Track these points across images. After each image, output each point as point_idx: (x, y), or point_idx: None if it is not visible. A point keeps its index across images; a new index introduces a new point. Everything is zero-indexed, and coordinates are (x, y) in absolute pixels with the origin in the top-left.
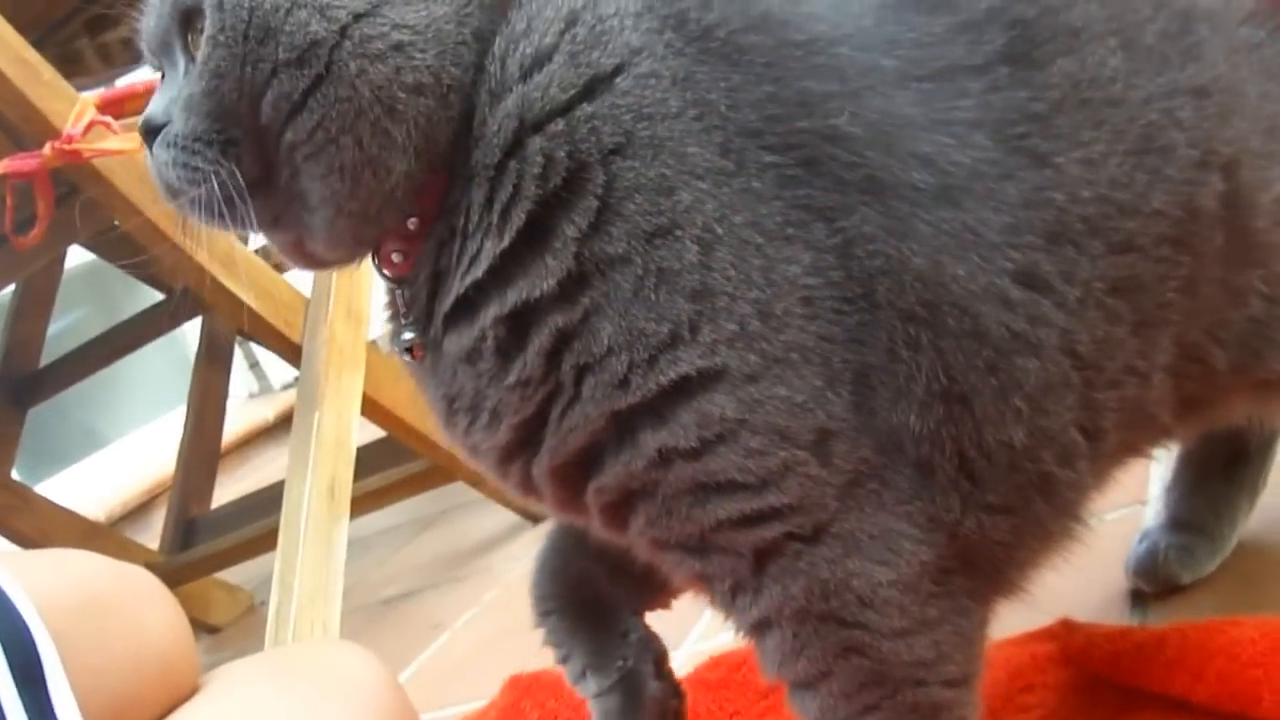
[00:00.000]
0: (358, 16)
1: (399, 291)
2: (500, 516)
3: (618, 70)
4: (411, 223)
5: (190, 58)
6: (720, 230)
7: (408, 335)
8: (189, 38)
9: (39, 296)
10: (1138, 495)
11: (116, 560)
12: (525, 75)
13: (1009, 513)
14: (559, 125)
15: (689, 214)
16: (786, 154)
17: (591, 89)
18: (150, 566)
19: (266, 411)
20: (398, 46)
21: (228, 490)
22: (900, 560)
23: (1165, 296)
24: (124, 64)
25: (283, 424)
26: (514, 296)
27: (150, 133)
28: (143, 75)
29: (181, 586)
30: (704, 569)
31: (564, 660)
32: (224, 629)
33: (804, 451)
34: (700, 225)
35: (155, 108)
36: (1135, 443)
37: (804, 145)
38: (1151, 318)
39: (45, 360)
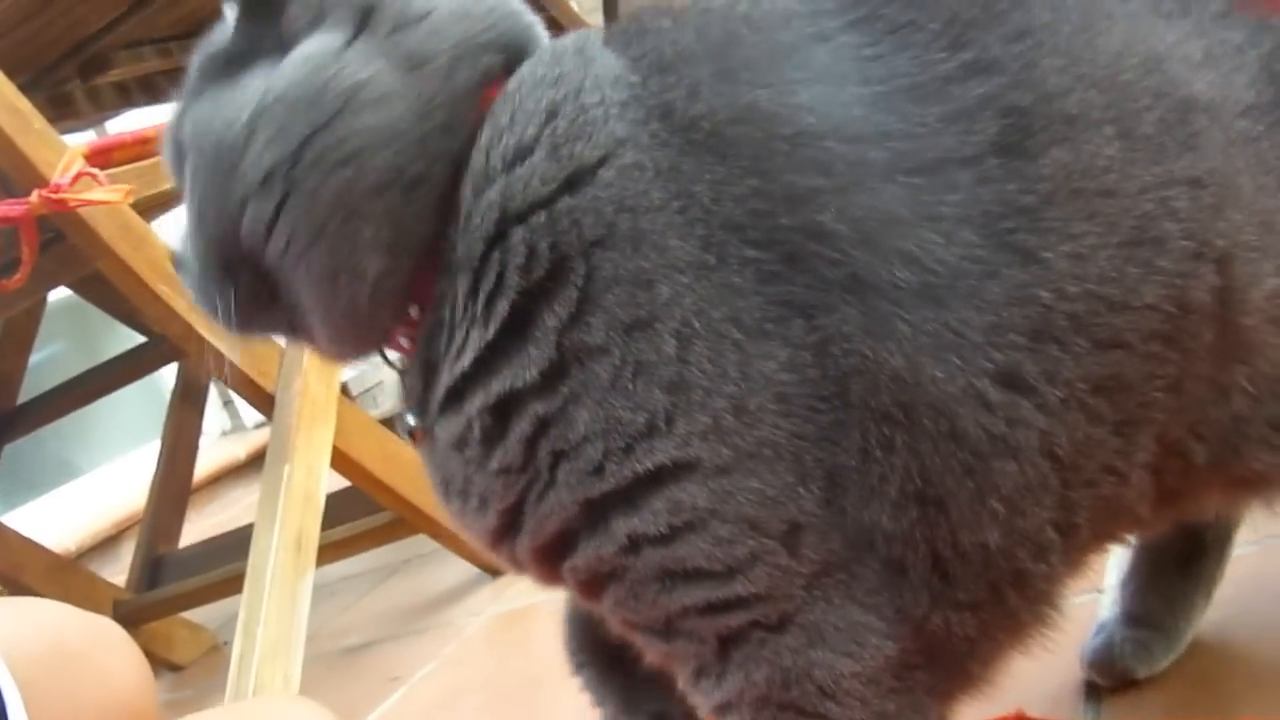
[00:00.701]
0: (312, 134)
1: (403, 377)
2: (461, 568)
3: (601, 162)
4: (414, 311)
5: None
6: (698, 324)
7: (409, 420)
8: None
9: (18, 336)
10: (1095, 583)
11: (83, 610)
12: (508, 167)
13: (979, 608)
14: (541, 217)
15: (668, 307)
16: (769, 249)
17: (574, 181)
18: (117, 604)
19: (238, 450)
20: (353, 153)
21: (197, 527)
22: (864, 653)
23: (1150, 395)
24: (114, 108)
25: (253, 463)
26: (498, 386)
27: (178, 269)
28: (132, 122)
29: (146, 625)
30: (670, 651)
31: (599, 706)
32: (186, 667)
33: (773, 541)
34: (678, 319)
35: (179, 245)
36: (1111, 533)
37: (787, 241)
38: (1134, 416)
39: (22, 396)
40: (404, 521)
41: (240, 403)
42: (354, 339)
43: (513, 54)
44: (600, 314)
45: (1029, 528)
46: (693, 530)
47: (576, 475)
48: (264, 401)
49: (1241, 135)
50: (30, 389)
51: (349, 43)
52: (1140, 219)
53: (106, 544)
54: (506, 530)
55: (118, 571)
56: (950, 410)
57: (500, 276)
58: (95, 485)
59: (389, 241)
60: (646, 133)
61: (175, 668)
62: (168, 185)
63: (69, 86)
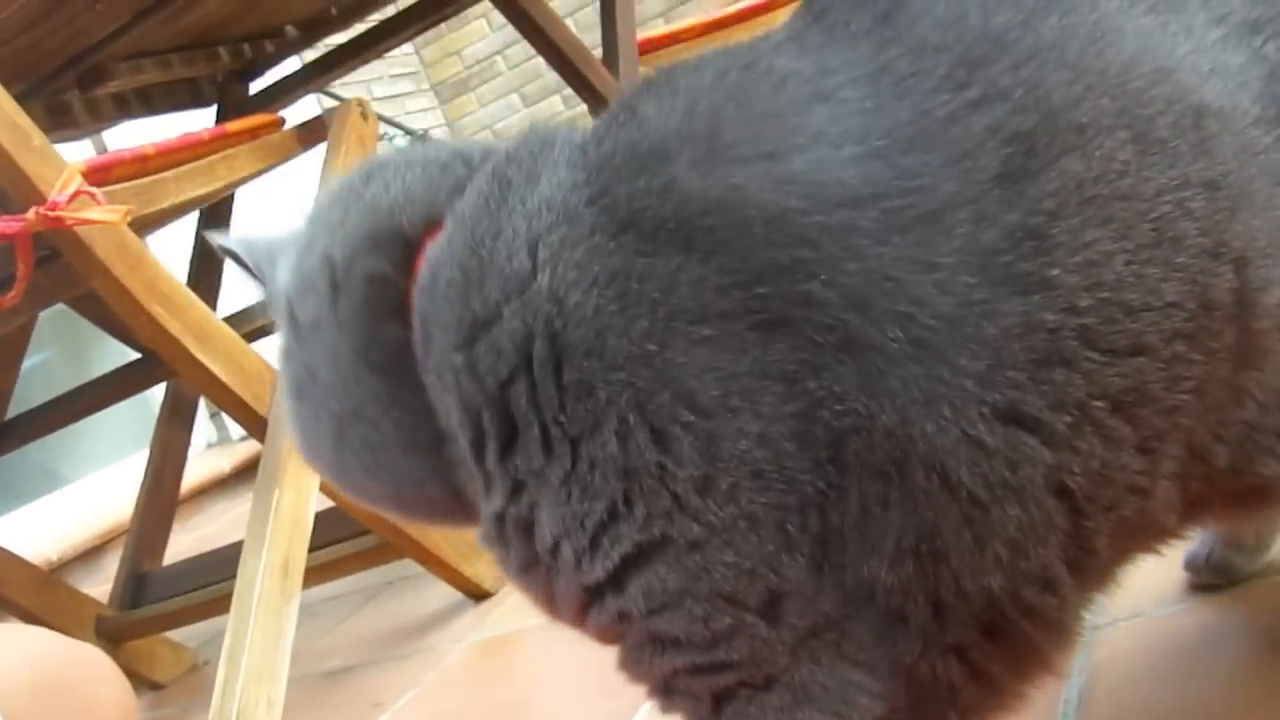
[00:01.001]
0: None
1: None
2: (445, 593)
3: (503, 301)
4: None
5: None
6: (634, 418)
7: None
8: None
9: (9, 351)
10: None
11: (70, 638)
12: (443, 331)
13: (968, 650)
14: (459, 359)
15: (607, 409)
16: (737, 321)
17: (475, 331)
18: (99, 620)
19: (224, 463)
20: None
21: (180, 540)
22: (852, 713)
23: (1176, 400)
24: (112, 119)
25: (239, 476)
26: (490, 508)
27: None
28: (130, 134)
29: (128, 643)
30: (670, 707)
31: None
32: (167, 686)
33: (751, 615)
34: (616, 419)
35: None
36: (1137, 549)
37: (765, 310)
38: (1159, 429)
39: (12, 411)
40: (390, 545)
41: (228, 415)
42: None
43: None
44: (536, 438)
45: (1034, 567)
46: (668, 609)
47: (566, 570)
48: (256, 425)
49: (1252, 144)
50: (18, 397)
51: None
52: (1158, 221)
53: (90, 555)
54: (555, 609)
55: (100, 582)
56: (943, 463)
57: (459, 421)
58: (80, 495)
59: (403, 446)
60: (583, 248)
61: (156, 686)
62: (166, 203)
63: (67, 96)
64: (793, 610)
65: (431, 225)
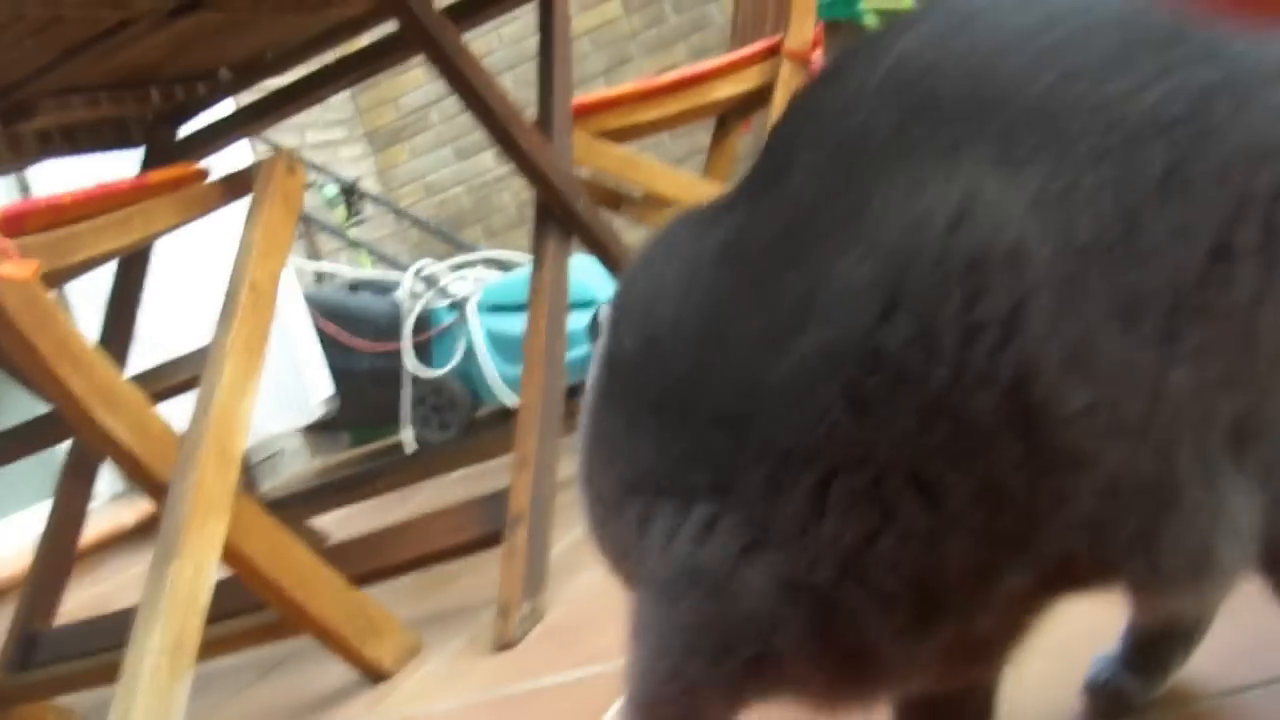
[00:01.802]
0: None
1: None
2: (341, 671)
3: None
4: None
5: None
6: None
7: None
8: None
9: None
10: None
11: None
12: None
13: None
14: None
15: None
16: None
17: None
18: None
19: (127, 516)
20: None
21: (77, 596)
22: None
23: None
24: (35, 155)
25: (142, 530)
26: None
27: None
28: (53, 172)
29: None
30: None
31: None
32: None
33: None
34: None
35: None
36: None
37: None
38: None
39: None
40: (289, 622)
41: None
42: None
43: None
44: None
45: None
46: None
47: None
48: (157, 491)
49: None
50: None
51: None
52: None
53: None
54: None
55: None
56: None
57: None
58: None
59: None
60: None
61: None
62: (80, 257)
63: None
64: None
65: None
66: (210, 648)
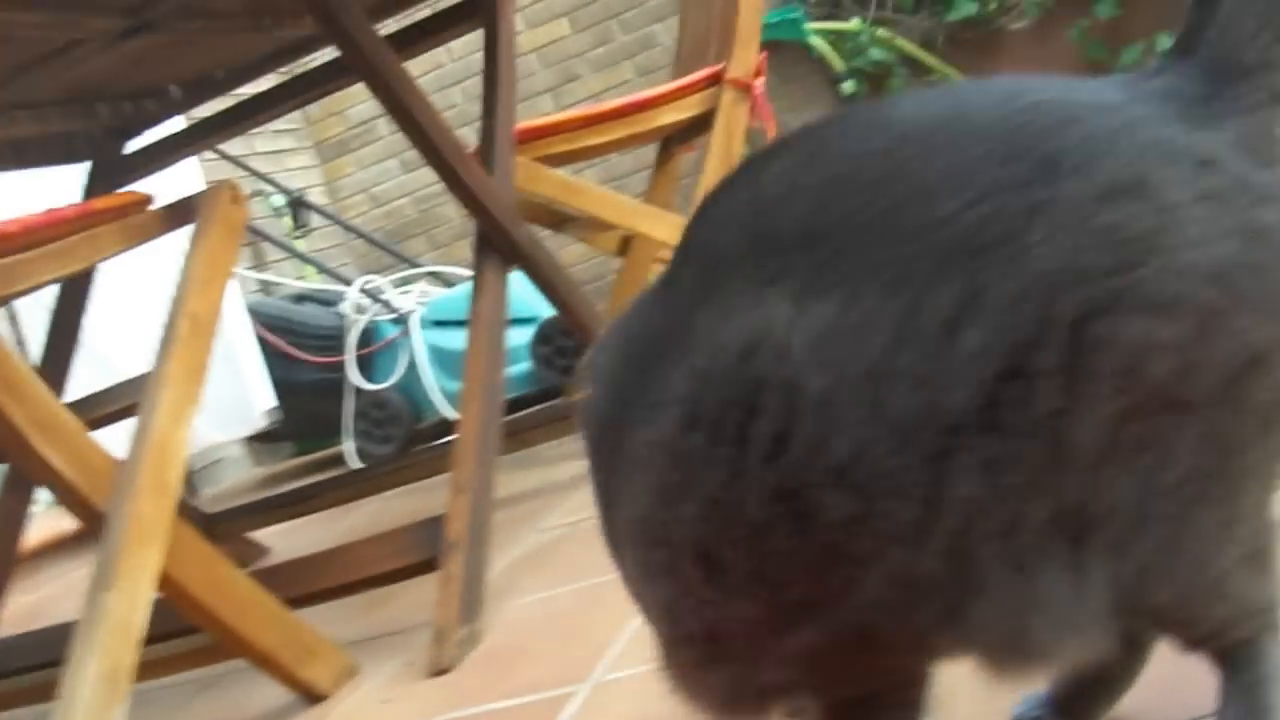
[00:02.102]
0: None
1: None
2: (279, 690)
3: None
4: None
5: None
6: None
7: None
8: None
9: None
10: None
11: None
12: None
13: None
14: None
15: None
16: None
17: None
18: None
19: (66, 522)
20: None
21: (16, 602)
22: None
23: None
24: None
25: (81, 538)
26: None
27: None
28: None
29: None
30: None
31: None
32: None
33: None
34: None
35: None
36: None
37: None
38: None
39: None
40: (223, 647)
41: None
42: None
43: None
44: None
45: None
46: None
47: None
48: (93, 520)
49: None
50: None
51: None
52: None
53: None
54: None
55: None
56: None
57: None
58: None
59: None
60: None
61: None
62: (25, 285)
63: None
64: None
65: None
66: (148, 669)
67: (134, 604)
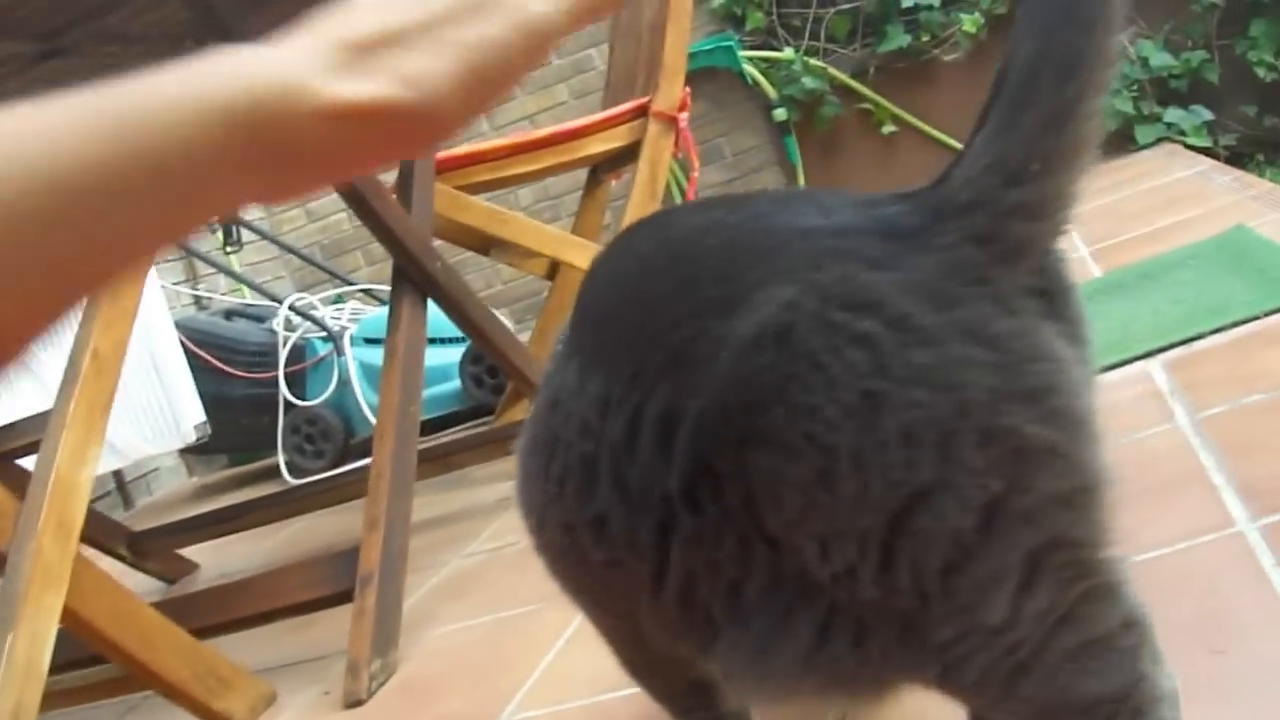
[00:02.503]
0: None
1: None
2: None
3: None
4: None
5: None
6: None
7: None
8: None
9: None
10: None
11: None
12: None
13: None
14: None
15: None
16: None
17: None
18: None
19: None
20: None
21: None
22: None
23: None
24: None
25: None
26: None
27: None
28: None
29: None
30: None
31: None
32: None
33: None
34: None
35: None
36: None
37: None
38: None
39: None
40: (130, 677)
41: None
42: None
43: None
44: None
45: None
46: None
47: None
48: None
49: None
50: None
51: None
52: None
53: None
54: None
55: None
56: None
57: None
58: None
59: None
60: None
61: None
62: None
63: None
64: None
65: None
66: (59, 699)
67: (36, 644)
